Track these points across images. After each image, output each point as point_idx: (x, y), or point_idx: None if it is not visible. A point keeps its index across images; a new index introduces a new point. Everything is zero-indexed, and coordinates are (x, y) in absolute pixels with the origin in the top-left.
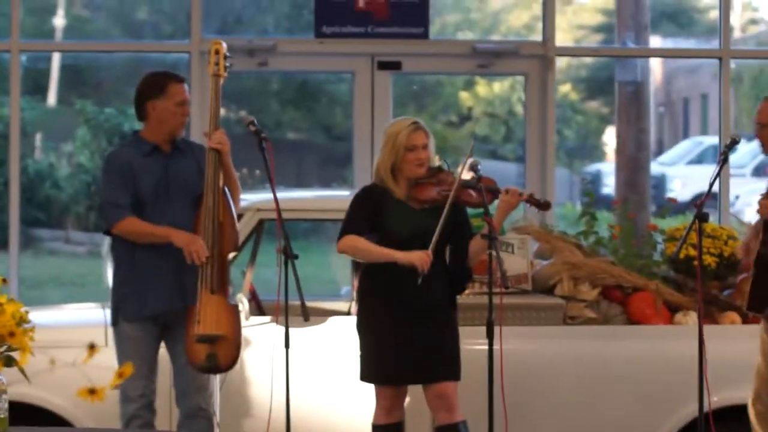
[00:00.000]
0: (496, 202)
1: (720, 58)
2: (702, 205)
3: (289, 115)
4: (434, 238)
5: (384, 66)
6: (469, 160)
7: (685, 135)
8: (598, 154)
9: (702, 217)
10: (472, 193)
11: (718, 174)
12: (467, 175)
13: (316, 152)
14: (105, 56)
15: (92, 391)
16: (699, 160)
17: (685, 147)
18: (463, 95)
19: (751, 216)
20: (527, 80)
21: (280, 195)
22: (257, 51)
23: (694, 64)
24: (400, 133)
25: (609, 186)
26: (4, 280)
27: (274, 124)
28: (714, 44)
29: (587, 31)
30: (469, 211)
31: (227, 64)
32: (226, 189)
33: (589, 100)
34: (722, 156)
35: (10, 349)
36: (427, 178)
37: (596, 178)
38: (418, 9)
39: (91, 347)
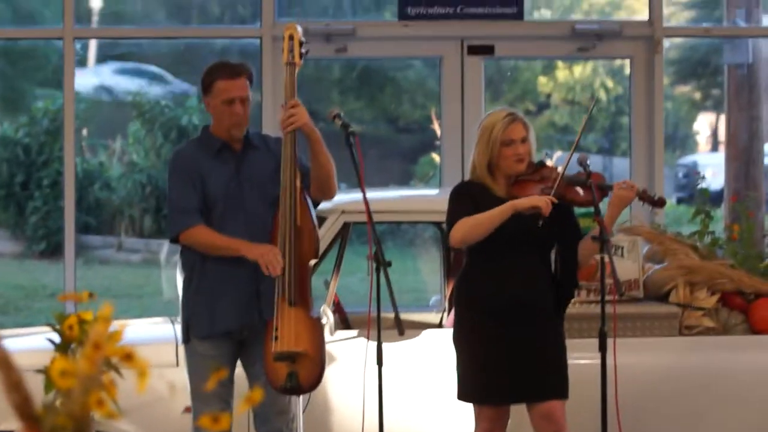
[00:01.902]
0: (605, 200)
1: None
2: None
3: (350, 105)
4: (556, 183)
5: (475, 50)
6: (577, 155)
7: None
8: (691, 144)
9: None
10: (579, 190)
11: None
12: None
13: (379, 146)
14: (147, 42)
15: (215, 419)
16: None
17: None
18: (542, 81)
19: None
20: (632, 64)
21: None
22: (335, 36)
23: None
24: (495, 126)
25: (707, 179)
26: (91, 295)
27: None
28: None
29: (678, 8)
30: (579, 211)
31: (303, 51)
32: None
33: (678, 85)
34: None
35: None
36: (529, 175)
37: (692, 172)
38: None
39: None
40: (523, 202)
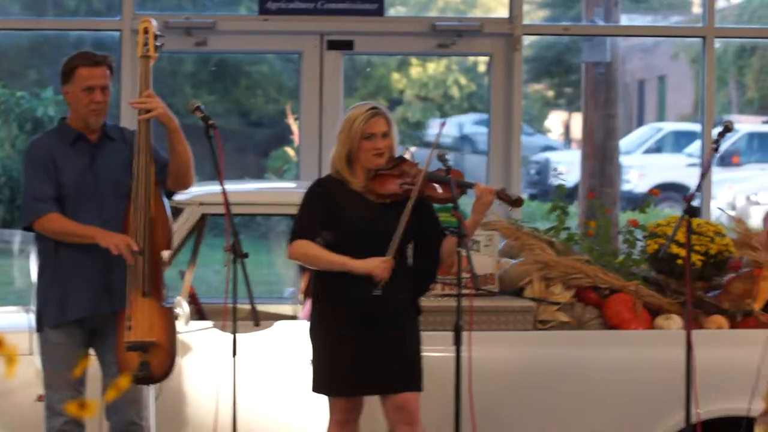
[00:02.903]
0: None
1: (704, 37)
2: (692, 199)
3: (203, 99)
4: (394, 243)
5: (334, 45)
6: (436, 151)
7: (640, 121)
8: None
9: (692, 212)
10: (437, 187)
11: (709, 165)
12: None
13: (232, 140)
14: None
15: (82, 405)
16: (657, 148)
17: (642, 134)
18: (396, 77)
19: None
20: (492, 61)
21: (219, 187)
22: (195, 29)
23: (650, 43)
24: (357, 119)
25: (556, 177)
26: None
27: (185, 109)
28: (674, 21)
29: (533, 6)
30: (437, 206)
31: (158, 44)
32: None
33: (531, 83)
34: (714, 145)
35: None
36: (388, 170)
37: (544, 168)
38: None
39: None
40: (362, 266)
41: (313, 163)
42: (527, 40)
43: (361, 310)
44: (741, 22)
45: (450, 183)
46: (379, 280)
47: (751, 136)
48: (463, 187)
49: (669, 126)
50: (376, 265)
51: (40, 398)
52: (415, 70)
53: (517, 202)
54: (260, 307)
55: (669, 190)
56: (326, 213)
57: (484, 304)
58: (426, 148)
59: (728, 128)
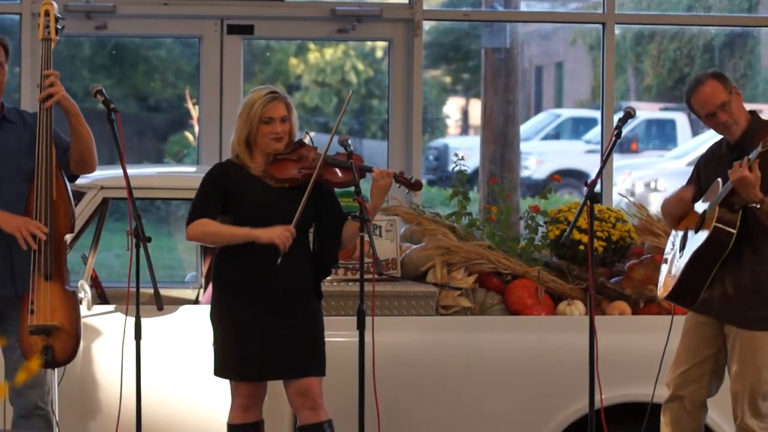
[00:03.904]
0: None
1: (603, 24)
2: (594, 184)
3: (101, 83)
4: (296, 215)
5: (234, 30)
6: (337, 136)
7: (538, 107)
8: (441, 127)
9: (594, 198)
10: (338, 171)
11: (611, 151)
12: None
13: (130, 124)
14: None
15: None
16: (555, 134)
17: (540, 120)
18: (293, 62)
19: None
20: (391, 46)
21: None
22: (95, 13)
23: (549, 29)
24: (256, 103)
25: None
26: None
27: (84, 93)
28: (572, 7)
29: None
30: (338, 191)
31: (59, 27)
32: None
33: (429, 69)
34: (616, 131)
35: None
36: (287, 154)
37: (443, 154)
38: None
39: None
40: (264, 235)
41: (213, 147)
42: (427, 25)
43: (263, 294)
44: (640, 8)
45: (349, 167)
46: (282, 249)
47: (650, 123)
48: (363, 171)
49: (567, 112)
50: (280, 233)
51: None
52: (313, 56)
53: (415, 185)
54: (163, 292)
55: (567, 176)
56: (224, 197)
57: (386, 289)
58: (327, 133)
59: (629, 114)
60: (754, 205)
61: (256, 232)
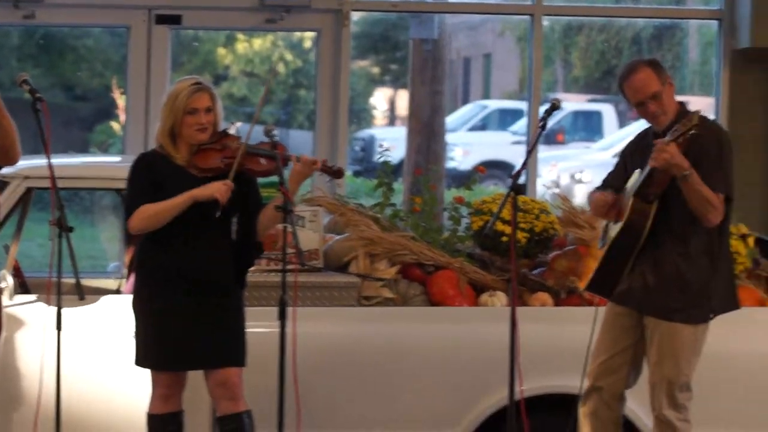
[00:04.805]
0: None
1: (532, 15)
2: (518, 176)
3: (28, 72)
4: (232, 170)
5: (162, 20)
6: (261, 126)
7: (466, 98)
8: (367, 118)
9: (518, 190)
10: (262, 160)
11: (536, 142)
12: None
13: (56, 114)
14: None
15: None
16: (482, 125)
17: (467, 111)
18: (222, 52)
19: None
20: (319, 37)
21: (45, 161)
22: (23, 2)
23: (477, 20)
24: (180, 94)
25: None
26: None
27: (11, 82)
28: None
29: None
30: (263, 180)
31: None
32: None
33: (357, 59)
34: (542, 123)
35: None
36: (211, 144)
37: (369, 145)
38: None
39: None
40: (203, 192)
41: (138, 137)
42: (355, 16)
43: (185, 285)
44: (568, 0)
45: (273, 156)
46: (222, 203)
47: (576, 115)
48: (286, 160)
49: (494, 104)
50: (218, 188)
51: None
52: (242, 46)
53: (337, 173)
54: (85, 282)
55: (493, 167)
56: (152, 185)
57: (308, 279)
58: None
59: (555, 106)
60: (684, 173)
61: (195, 192)
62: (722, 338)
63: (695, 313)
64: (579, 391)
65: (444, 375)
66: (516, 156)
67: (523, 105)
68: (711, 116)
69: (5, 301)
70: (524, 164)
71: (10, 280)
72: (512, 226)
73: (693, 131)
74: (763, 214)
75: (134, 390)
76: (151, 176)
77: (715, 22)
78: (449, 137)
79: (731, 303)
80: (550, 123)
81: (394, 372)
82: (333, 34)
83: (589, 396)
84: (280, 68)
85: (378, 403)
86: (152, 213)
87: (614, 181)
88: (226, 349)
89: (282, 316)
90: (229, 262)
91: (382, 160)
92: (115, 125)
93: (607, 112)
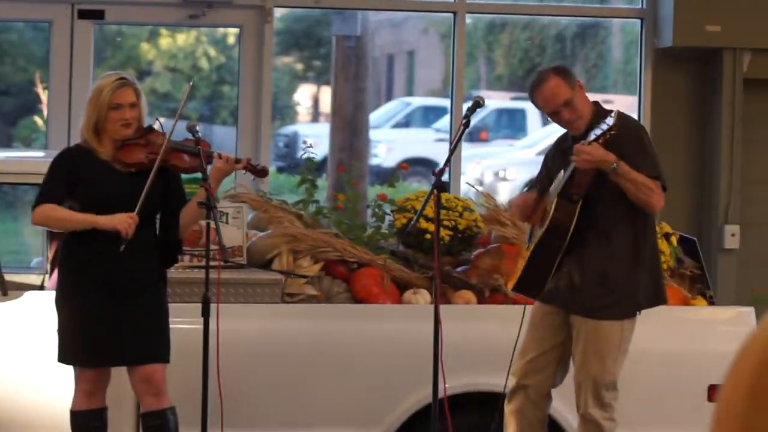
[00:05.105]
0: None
1: (455, 12)
2: (441, 173)
3: None
4: (140, 202)
5: (85, 15)
6: (186, 122)
7: (389, 95)
8: (291, 114)
9: (441, 187)
10: (185, 157)
11: (459, 140)
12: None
13: None
14: None
15: None
16: (406, 122)
17: (391, 108)
18: (145, 48)
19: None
20: (242, 33)
21: None
22: None
23: (400, 17)
24: (104, 89)
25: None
26: None
27: None
28: None
29: None
30: (186, 177)
31: None
32: None
33: (280, 56)
34: (465, 120)
35: None
36: (135, 139)
37: (292, 141)
38: None
39: None
40: (106, 222)
41: (62, 132)
42: (278, 12)
43: (108, 281)
44: None
45: (196, 153)
46: (125, 236)
47: (500, 112)
48: (210, 157)
49: (418, 101)
50: (122, 220)
51: None
52: (165, 41)
53: (261, 172)
54: (8, 277)
55: (417, 164)
56: (72, 181)
57: (232, 276)
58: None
59: (478, 103)
60: (613, 166)
61: (97, 219)
62: (647, 338)
63: (620, 310)
64: (504, 389)
65: (368, 373)
66: (439, 153)
67: (446, 102)
68: (634, 115)
69: None
70: (447, 162)
71: None
72: (435, 223)
73: (613, 132)
74: (686, 212)
75: (58, 386)
76: (71, 171)
77: (637, 21)
78: (373, 134)
79: (658, 298)
80: (474, 120)
81: (317, 369)
82: (256, 31)
83: (515, 394)
84: (204, 64)
85: (301, 400)
86: (54, 217)
87: (538, 186)
88: (150, 345)
89: (205, 313)
90: (153, 258)
91: (305, 156)
92: (39, 120)
93: (531, 110)
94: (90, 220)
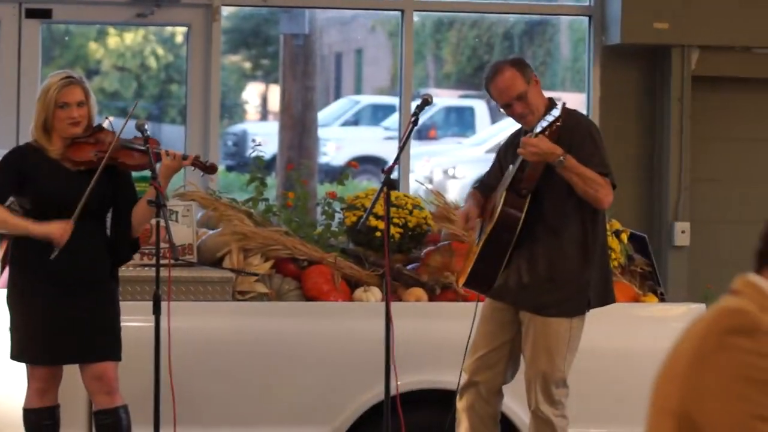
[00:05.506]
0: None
1: (402, 11)
2: (391, 171)
3: None
4: (79, 207)
5: (32, 14)
6: (133, 120)
7: (338, 94)
8: (240, 113)
9: (390, 185)
10: (134, 154)
11: (408, 138)
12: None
13: None
14: None
15: None
16: (355, 121)
17: (339, 107)
18: (93, 47)
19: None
20: (190, 31)
21: None
22: None
23: (348, 16)
24: (52, 88)
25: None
26: None
27: None
28: None
29: None
30: (138, 175)
31: None
32: None
33: (228, 54)
34: (413, 118)
35: None
36: (84, 138)
37: (241, 140)
38: None
39: None
40: (40, 230)
41: (10, 132)
42: (226, 11)
43: (59, 279)
44: None
45: (145, 151)
46: (57, 244)
47: (449, 110)
48: (158, 155)
49: (366, 99)
50: (56, 228)
51: None
52: (113, 40)
53: (210, 169)
54: None
55: (366, 162)
56: (21, 180)
57: (182, 274)
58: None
59: (427, 101)
60: (559, 159)
61: (32, 228)
62: (597, 335)
63: (569, 306)
64: (456, 386)
65: (319, 370)
66: (388, 151)
67: (395, 100)
68: (583, 112)
69: None
70: (396, 159)
71: None
72: (385, 221)
73: (558, 123)
74: (636, 210)
75: (9, 384)
76: (19, 169)
77: (585, 19)
78: (321, 132)
79: (607, 296)
80: (423, 118)
81: (269, 367)
82: (203, 29)
83: (467, 391)
84: (152, 63)
85: (253, 398)
86: None
87: (489, 181)
88: (102, 343)
89: (156, 311)
90: (104, 257)
91: (254, 155)
92: None
93: (479, 107)
94: (24, 227)
